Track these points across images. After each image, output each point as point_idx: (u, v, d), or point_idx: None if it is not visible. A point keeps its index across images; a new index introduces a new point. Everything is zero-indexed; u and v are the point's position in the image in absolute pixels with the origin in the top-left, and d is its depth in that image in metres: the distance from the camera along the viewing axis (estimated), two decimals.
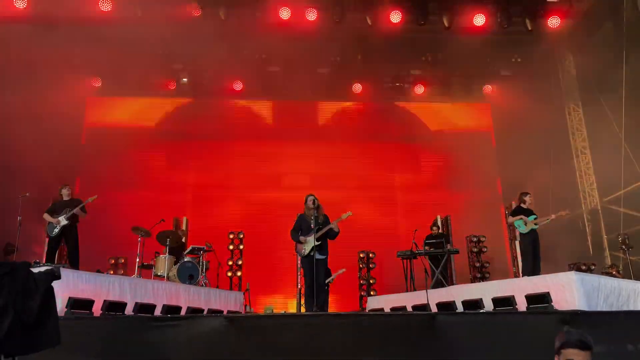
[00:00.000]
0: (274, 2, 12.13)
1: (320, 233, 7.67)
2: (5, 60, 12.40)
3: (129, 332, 5.61)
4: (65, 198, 9.16)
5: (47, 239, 9.17)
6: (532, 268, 9.14)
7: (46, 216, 8.99)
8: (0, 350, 3.62)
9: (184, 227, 13.15)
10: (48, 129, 12.47)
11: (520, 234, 9.63)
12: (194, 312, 7.29)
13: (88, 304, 6.22)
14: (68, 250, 9.11)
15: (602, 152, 12.73)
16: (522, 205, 9.59)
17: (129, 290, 7.29)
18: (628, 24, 11.10)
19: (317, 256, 7.66)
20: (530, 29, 12.66)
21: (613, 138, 11.74)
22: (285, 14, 12.19)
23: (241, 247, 13.26)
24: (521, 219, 9.41)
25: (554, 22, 12.51)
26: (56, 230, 8.83)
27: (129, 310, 6.63)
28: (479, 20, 12.37)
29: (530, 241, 9.29)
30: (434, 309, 7.21)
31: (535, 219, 9.30)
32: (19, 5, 11.72)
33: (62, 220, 8.81)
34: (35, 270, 4.17)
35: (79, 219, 9.10)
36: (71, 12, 11.78)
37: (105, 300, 6.43)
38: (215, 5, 12.22)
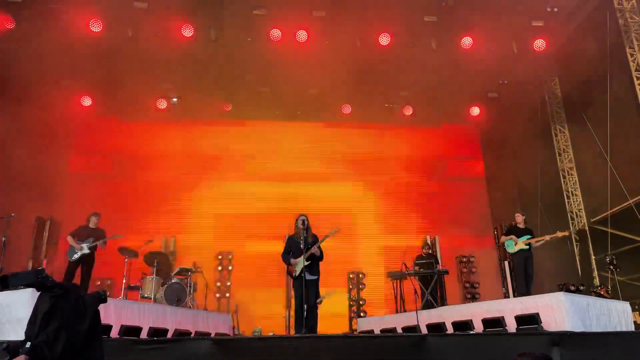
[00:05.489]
0: (265, 23, 12.24)
1: (308, 253, 7.63)
2: None
3: (114, 355, 5.48)
4: (92, 226, 9.59)
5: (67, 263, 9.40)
6: (523, 288, 9.16)
7: (69, 239, 9.37)
8: None
9: (172, 248, 13.03)
10: (35, 149, 12.40)
11: (511, 254, 9.67)
12: (181, 334, 7.17)
13: None
14: (82, 275, 9.39)
15: (589, 173, 12.85)
16: (515, 225, 9.65)
17: (114, 313, 7.17)
18: (611, 46, 11.32)
19: (308, 277, 7.61)
20: (516, 51, 12.90)
21: (599, 159, 11.87)
22: (275, 35, 12.30)
23: (230, 268, 13.15)
24: (511, 238, 9.45)
25: (539, 44, 12.74)
26: (76, 256, 9.23)
27: (114, 333, 6.51)
28: (466, 42, 12.56)
29: (520, 261, 9.31)
30: (424, 330, 7.16)
31: (528, 238, 9.33)
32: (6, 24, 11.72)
33: (85, 249, 9.26)
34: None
35: (97, 248, 9.49)
36: (61, 32, 11.80)
37: None
38: (205, 27, 12.31)
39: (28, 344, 3.60)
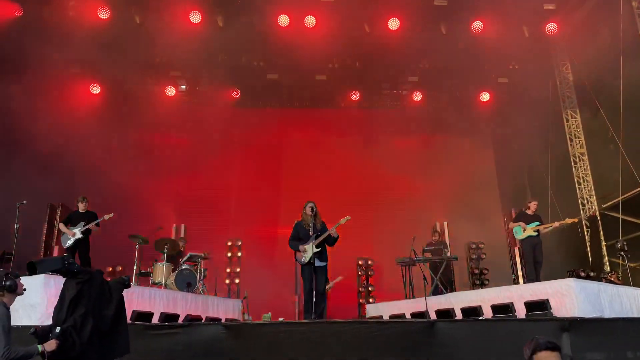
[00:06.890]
0: (273, 10, 12.15)
1: (319, 239, 7.64)
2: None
3: None
4: (81, 210, 9.42)
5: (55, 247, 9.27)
6: (532, 275, 9.14)
7: (61, 226, 9.32)
8: (80, 357, 3.70)
9: (182, 235, 13.11)
10: (46, 136, 12.48)
11: (519, 240, 9.63)
12: (192, 320, 7.24)
13: None
14: (81, 261, 9.22)
15: (600, 159, 12.72)
16: (526, 211, 9.59)
17: (125, 298, 7.24)
18: (624, 31, 11.13)
19: (317, 263, 7.62)
20: (527, 35, 12.72)
21: (611, 144, 11.74)
22: (283, 21, 12.21)
23: (239, 254, 13.22)
24: (519, 225, 9.41)
25: (551, 28, 12.55)
26: (69, 242, 9.11)
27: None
28: (477, 26, 12.40)
29: (529, 248, 9.28)
30: (433, 316, 7.18)
31: (537, 225, 9.28)
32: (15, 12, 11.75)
33: (77, 234, 9.12)
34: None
35: (91, 231, 9.31)
36: (69, 20, 11.80)
37: None
38: (213, 13, 12.25)
39: (58, 329, 3.66)
